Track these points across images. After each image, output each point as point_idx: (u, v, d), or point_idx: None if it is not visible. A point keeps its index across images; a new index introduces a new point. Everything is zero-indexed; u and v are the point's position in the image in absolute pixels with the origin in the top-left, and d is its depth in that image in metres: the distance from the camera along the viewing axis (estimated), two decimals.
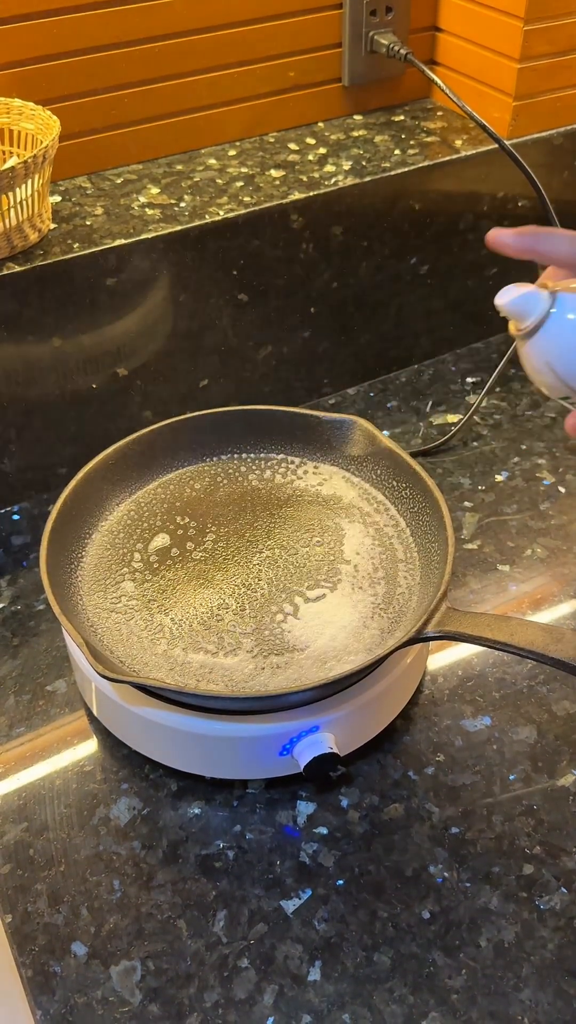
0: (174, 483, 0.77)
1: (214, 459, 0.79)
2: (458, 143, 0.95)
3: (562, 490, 0.87)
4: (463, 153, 0.93)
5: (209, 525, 0.73)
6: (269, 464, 0.79)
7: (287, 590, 0.68)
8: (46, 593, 0.62)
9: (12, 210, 0.75)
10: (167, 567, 0.70)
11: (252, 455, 0.79)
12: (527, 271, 1.05)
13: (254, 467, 0.78)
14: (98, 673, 0.57)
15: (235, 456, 0.79)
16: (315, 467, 0.78)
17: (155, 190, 0.88)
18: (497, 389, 0.99)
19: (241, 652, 0.64)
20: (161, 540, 0.72)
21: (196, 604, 0.67)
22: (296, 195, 0.87)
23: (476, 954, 0.56)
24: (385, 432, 0.94)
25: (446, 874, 0.60)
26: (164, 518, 0.74)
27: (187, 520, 0.74)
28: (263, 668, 0.63)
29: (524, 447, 0.92)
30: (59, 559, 0.68)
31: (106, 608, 0.67)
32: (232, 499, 0.76)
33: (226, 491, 0.76)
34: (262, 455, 0.79)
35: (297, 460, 0.79)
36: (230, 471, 0.78)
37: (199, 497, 0.76)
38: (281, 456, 0.79)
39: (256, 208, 0.85)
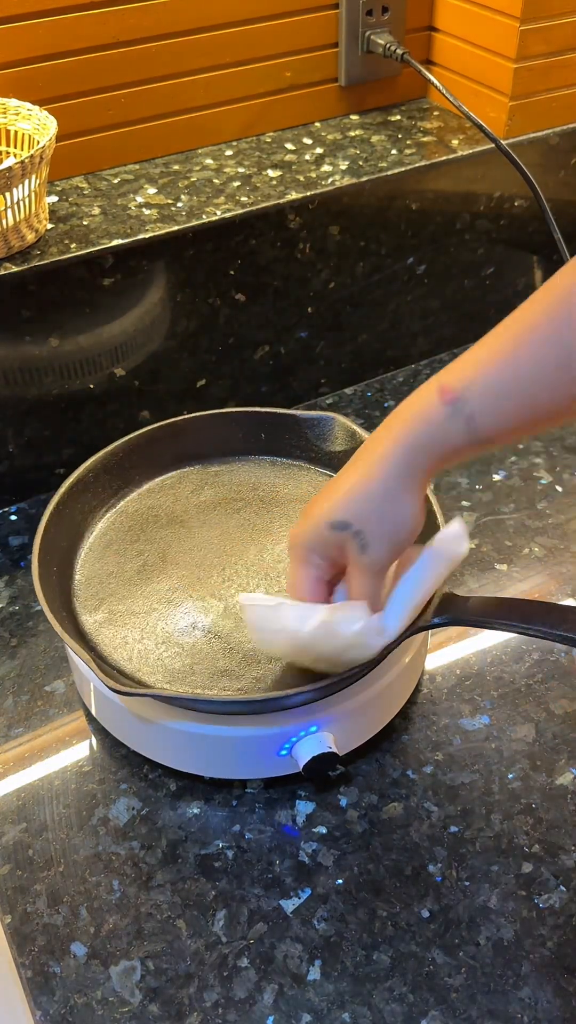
0: (156, 491, 0.77)
1: (196, 464, 0.79)
2: (455, 143, 0.95)
3: (559, 489, 0.88)
4: (459, 153, 0.93)
5: (197, 531, 0.73)
6: (250, 465, 0.79)
7: (282, 594, 0.68)
8: (47, 616, 0.61)
9: (9, 210, 0.75)
10: (160, 577, 0.70)
11: (234, 457, 0.79)
12: (523, 270, 1.05)
13: (235, 470, 0.78)
14: (110, 688, 0.57)
15: (215, 460, 0.79)
16: (296, 465, 0.78)
17: (152, 190, 0.88)
18: None
19: (243, 655, 0.64)
20: (150, 550, 0.72)
21: (194, 611, 0.67)
22: (293, 195, 0.87)
23: (475, 952, 0.56)
24: None
25: (445, 873, 0.60)
26: (151, 527, 0.74)
27: (174, 528, 0.73)
28: (262, 669, 0.63)
29: (521, 446, 0.92)
30: (51, 578, 0.67)
31: (105, 622, 0.67)
32: (219, 502, 0.75)
33: (210, 495, 0.76)
34: (242, 457, 0.79)
35: (278, 460, 0.79)
36: (214, 474, 0.78)
37: (183, 503, 0.75)
38: (261, 457, 0.79)
39: (253, 208, 0.85)
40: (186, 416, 0.78)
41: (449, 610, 0.60)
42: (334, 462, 0.77)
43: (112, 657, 0.64)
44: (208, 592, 0.68)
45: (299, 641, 0.56)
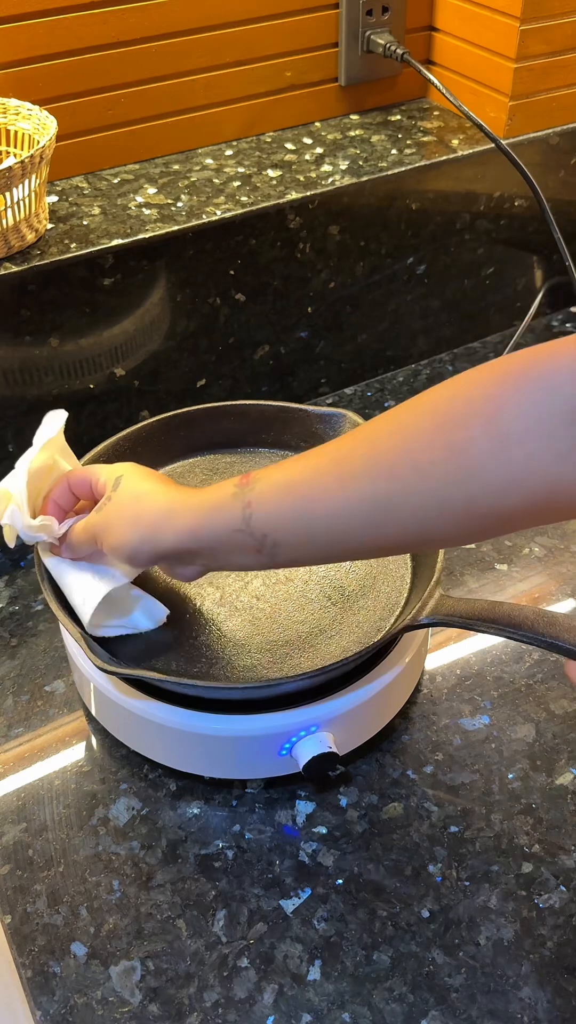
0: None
1: (204, 455, 0.79)
2: (455, 143, 0.95)
3: None
4: (459, 153, 0.93)
5: None
6: (258, 458, 0.79)
7: (278, 585, 0.68)
8: (43, 591, 0.62)
9: (9, 210, 0.75)
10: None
11: (242, 450, 0.79)
12: (523, 270, 1.05)
13: (244, 461, 0.78)
14: (96, 666, 0.57)
15: (224, 450, 0.79)
16: None
17: (152, 190, 0.88)
18: None
19: (237, 646, 0.64)
20: None
21: (190, 600, 0.67)
22: (293, 195, 0.87)
23: (475, 952, 0.56)
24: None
25: (445, 873, 0.60)
26: None
27: None
28: (252, 658, 0.63)
29: None
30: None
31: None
32: None
33: None
34: (251, 450, 0.79)
35: (287, 454, 0.79)
36: (220, 466, 0.78)
37: None
38: (271, 450, 0.79)
39: (253, 208, 0.85)
40: (197, 407, 0.78)
41: (439, 611, 0.60)
42: None
43: (107, 640, 0.65)
44: (205, 580, 0.68)
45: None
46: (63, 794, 0.65)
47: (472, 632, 0.74)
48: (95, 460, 0.74)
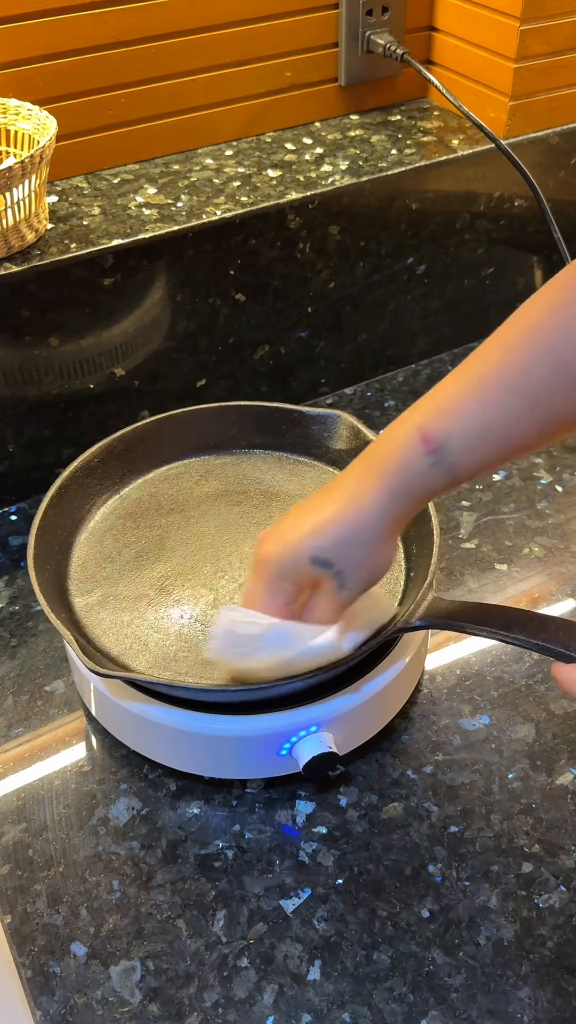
0: (159, 480, 0.77)
1: (199, 456, 0.79)
2: (455, 143, 0.95)
3: (559, 489, 0.88)
4: (460, 153, 0.93)
5: (196, 521, 0.73)
6: (254, 459, 0.79)
7: None
8: (35, 591, 0.62)
9: (9, 210, 0.75)
10: (155, 564, 0.70)
11: (237, 451, 0.79)
12: (523, 270, 1.05)
13: (239, 463, 0.78)
14: (88, 669, 0.57)
15: (220, 452, 0.79)
16: (301, 462, 0.78)
17: (152, 190, 0.88)
18: None
19: None
20: (148, 537, 0.72)
21: (185, 600, 0.67)
22: (293, 195, 0.87)
23: (475, 952, 0.56)
24: (381, 431, 0.94)
25: (445, 873, 0.60)
26: (151, 515, 0.74)
27: (174, 516, 0.74)
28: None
29: None
30: (47, 558, 0.68)
31: (96, 605, 0.67)
32: (221, 494, 0.76)
33: (212, 487, 0.76)
34: (247, 451, 0.79)
35: (282, 455, 0.79)
36: (215, 467, 0.78)
37: (185, 493, 0.76)
38: (266, 452, 0.79)
39: (253, 208, 0.85)
40: (193, 408, 0.78)
41: (432, 613, 0.60)
42: (338, 460, 0.77)
43: (100, 640, 0.65)
44: (200, 582, 0.68)
45: (273, 662, 0.57)
46: (63, 794, 0.65)
47: None
48: (90, 462, 0.74)
